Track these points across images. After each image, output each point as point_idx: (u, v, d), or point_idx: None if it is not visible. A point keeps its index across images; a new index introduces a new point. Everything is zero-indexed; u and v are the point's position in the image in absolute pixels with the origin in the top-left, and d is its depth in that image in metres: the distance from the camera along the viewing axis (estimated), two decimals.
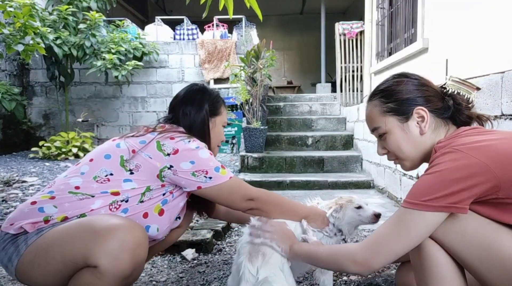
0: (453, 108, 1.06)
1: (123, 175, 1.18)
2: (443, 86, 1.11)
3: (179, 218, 1.40)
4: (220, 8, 1.91)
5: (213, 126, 1.40)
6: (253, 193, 1.29)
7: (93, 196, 1.14)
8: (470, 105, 1.09)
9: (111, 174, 1.18)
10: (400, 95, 1.09)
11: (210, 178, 1.22)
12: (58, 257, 1.03)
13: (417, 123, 1.07)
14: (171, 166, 1.20)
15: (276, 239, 1.17)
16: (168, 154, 1.20)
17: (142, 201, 1.20)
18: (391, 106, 1.09)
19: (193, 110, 1.36)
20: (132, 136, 1.27)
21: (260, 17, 1.97)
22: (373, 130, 1.15)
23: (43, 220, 1.09)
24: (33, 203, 1.14)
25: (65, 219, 1.11)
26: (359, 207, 1.39)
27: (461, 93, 1.09)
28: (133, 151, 1.20)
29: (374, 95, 1.14)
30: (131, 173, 1.19)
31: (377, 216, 1.39)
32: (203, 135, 1.35)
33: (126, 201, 1.17)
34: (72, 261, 1.01)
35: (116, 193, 1.16)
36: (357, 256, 0.99)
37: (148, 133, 1.27)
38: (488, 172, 0.88)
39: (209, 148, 1.35)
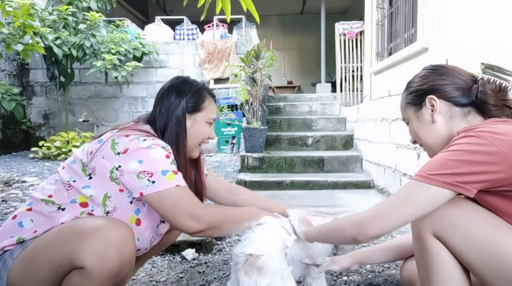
0: (474, 97, 1.03)
1: (83, 181, 1.12)
2: (473, 74, 1.08)
3: (164, 222, 1.32)
4: (217, 11, 1.90)
5: (192, 124, 1.27)
6: (199, 211, 1.13)
7: (63, 209, 1.11)
8: (500, 92, 1.02)
9: (74, 181, 1.13)
10: (413, 85, 1.13)
11: (153, 182, 1.08)
12: (45, 265, 1.01)
13: (430, 112, 1.08)
14: (119, 166, 1.09)
15: (301, 221, 1.28)
16: (118, 153, 1.10)
17: (107, 212, 1.13)
18: (409, 97, 1.14)
19: (169, 107, 1.24)
20: (97, 137, 1.19)
21: (258, 19, 1.97)
22: (403, 120, 1.22)
23: (17, 242, 1.08)
24: (14, 217, 1.12)
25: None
26: None
27: (492, 80, 1.03)
28: (91, 153, 1.13)
29: (405, 88, 1.20)
30: (90, 177, 1.12)
31: None
32: (176, 135, 1.24)
33: (92, 211, 1.12)
34: (59, 265, 1.00)
35: (84, 204, 1.12)
36: (356, 218, 1.02)
37: (109, 131, 1.18)
38: (505, 163, 0.87)
39: (184, 150, 1.25)
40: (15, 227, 1.10)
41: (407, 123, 1.18)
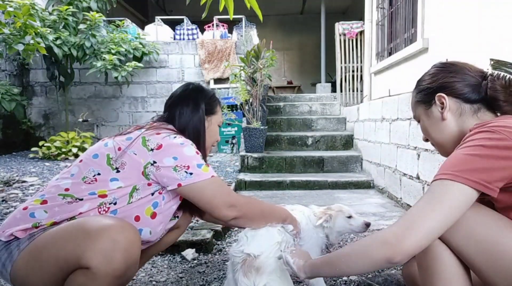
0: (483, 94, 1.03)
1: (110, 174, 1.16)
2: (483, 70, 1.08)
3: (177, 217, 1.39)
4: (221, 9, 1.91)
5: (208, 125, 1.40)
6: (235, 199, 1.24)
7: (81, 200, 1.13)
8: (510, 87, 1.01)
9: (99, 174, 1.16)
10: (423, 84, 1.13)
11: (191, 174, 1.17)
12: (51, 260, 1.02)
13: (440, 109, 1.08)
14: (154, 162, 1.17)
15: (292, 252, 1.12)
16: (152, 149, 1.17)
17: (131, 202, 1.17)
18: (419, 96, 1.14)
19: (189, 109, 1.35)
20: (121, 134, 1.26)
21: (261, 17, 1.97)
22: (414, 118, 1.20)
23: (32, 226, 1.09)
24: (25, 208, 1.13)
25: (54, 224, 1.10)
26: (349, 217, 1.48)
27: (502, 76, 1.03)
28: (119, 149, 1.18)
29: (415, 86, 1.19)
30: (117, 171, 1.17)
31: (367, 225, 1.53)
32: (198, 134, 1.34)
33: (115, 204, 1.15)
34: (65, 263, 1.00)
35: (103, 195, 1.14)
36: (387, 235, 0.87)
37: (136, 130, 1.26)
38: None
39: (204, 147, 1.35)
40: (27, 217, 1.11)
41: (418, 121, 1.18)
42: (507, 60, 1.06)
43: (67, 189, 1.14)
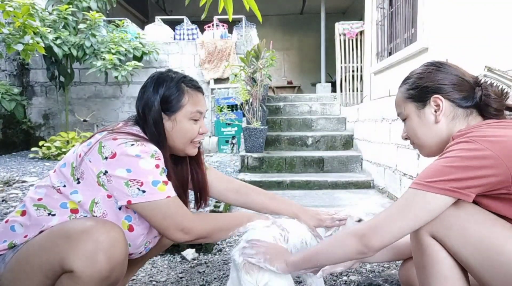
0: (477, 99, 1.03)
1: (72, 186, 1.09)
2: (476, 76, 1.08)
3: None
4: (220, 10, 1.90)
5: (173, 125, 1.18)
6: (188, 222, 1.12)
7: (53, 215, 1.09)
8: (502, 97, 1.03)
9: (64, 186, 1.10)
10: (420, 82, 1.10)
11: (144, 192, 1.05)
12: (36, 269, 1.01)
13: (434, 111, 1.06)
14: (106, 172, 1.06)
15: (269, 259, 1.12)
16: (106, 158, 1.06)
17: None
18: (411, 93, 1.11)
19: (144, 108, 1.17)
20: (89, 138, 1.14)
21: (260, 19, 1.97)
22: (398, 115, 1.18)
23: (8, 246, 1.07)
24: (7, 221, 1.11)
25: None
26: (359, 220, 1.41)
27: (495, 84, 1.05)
28: (80, 156, 1.09)
29: (403, 81, 1.17)
30: (78, 182, 1.09)
31: None
32: (156, 138, 1.16)
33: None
34: (50, 269, 0.99)
35: (75, 210, 1.09)
36: (358, 231, 0.99)
37: (98, 133, 1.14)
38: (501, 166, 0.87)
39: (166, 151, 1.18)
40: (7, 231, 1.09)
41: (404, 119, 1.15)
42: (500, 69, 1.07)
43: (40, 199, 1.11)
